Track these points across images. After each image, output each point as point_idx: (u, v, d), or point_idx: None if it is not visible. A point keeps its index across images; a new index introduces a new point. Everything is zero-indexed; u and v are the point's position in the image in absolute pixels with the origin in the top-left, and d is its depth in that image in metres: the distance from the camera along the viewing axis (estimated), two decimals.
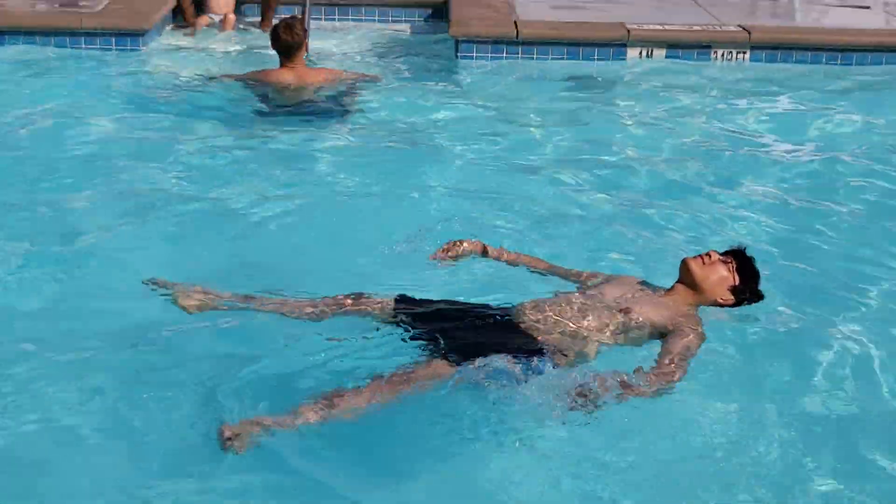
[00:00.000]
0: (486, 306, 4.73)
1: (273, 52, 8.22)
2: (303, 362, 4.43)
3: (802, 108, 8.54)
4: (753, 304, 4.86)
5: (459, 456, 4.07)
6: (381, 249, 5.52)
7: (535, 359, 4.36)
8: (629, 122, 8.11)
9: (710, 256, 4.80)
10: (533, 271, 5.22)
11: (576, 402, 4.15)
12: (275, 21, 9.87)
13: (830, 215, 6.43)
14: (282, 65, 8.18)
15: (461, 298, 4.82)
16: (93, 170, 6.81)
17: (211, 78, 8.55)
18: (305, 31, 8.30)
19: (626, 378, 4.25)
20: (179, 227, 5.99)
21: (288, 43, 8.09)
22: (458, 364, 4.30)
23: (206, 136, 7.56)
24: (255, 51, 9.44)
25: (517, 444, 4.10)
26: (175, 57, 9.50)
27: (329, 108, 8.09)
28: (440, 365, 4.31)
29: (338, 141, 7.47)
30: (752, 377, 4.62)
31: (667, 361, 4.41)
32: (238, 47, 9.79)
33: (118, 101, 8.23)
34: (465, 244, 5.19)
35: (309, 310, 4.76)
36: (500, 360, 4.32)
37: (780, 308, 5.08)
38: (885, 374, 4.69)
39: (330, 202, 6.41)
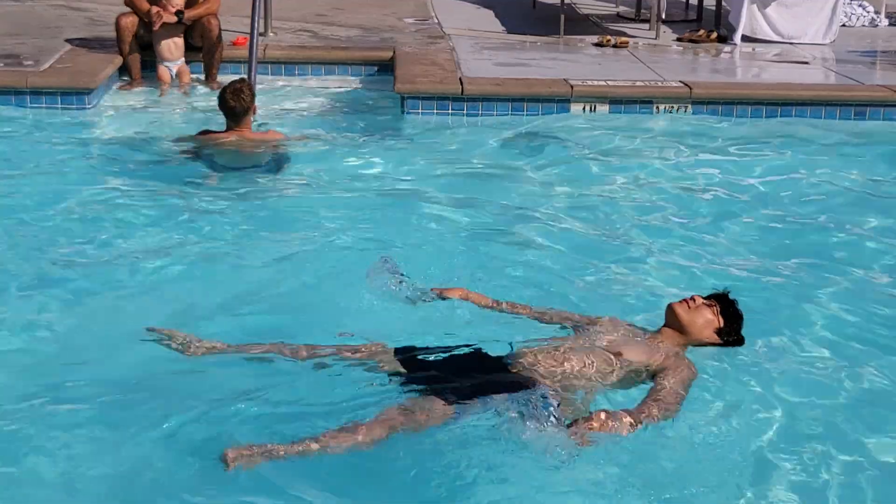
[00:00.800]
0: (481, 351, 4.88)
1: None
2: (300, 403, 4.59)
3: (743, 160, 8.68)
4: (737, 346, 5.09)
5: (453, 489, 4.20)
6: (357, 299, 5.58)
7: (532, 399, 4.45)
8: (573, 175, 8.22)
9: (694, 301, 5.03)
10: (518, 316, 5.37)
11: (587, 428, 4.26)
12: (219, 78, 10.05)
13: (771, 261, 6.61)
14: (228, 128, 8.21)
15: (453, 343, 4.94)
16: (39, 228, 6.83)
17: (177, 140, 8.58)
18: (253, 94, 8.32)
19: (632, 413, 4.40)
20: (138, 282, 6.06)
21: (235, 109, 8.11)
22: (455, 403, 4.44)
23: (153, 194, 7.53)
24: (201, 108, 9.48)
25: (512, 479, 4.23)
26: (121, 115, 9.53)
27: (277, 167, 8.14)
28: (437, 404, 4.44)
29: (287, 198, 7.55)
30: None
31: (663, 396, 4.57)
32: (184, 105, 9.85)
33: (63, 159, 8.23)
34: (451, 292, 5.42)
35: (305, 354, 4.89)
36: (497, 401, 4.46)
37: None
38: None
39: (289, 257, 6.46)
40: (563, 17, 11.81)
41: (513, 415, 4.39)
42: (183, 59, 10.32)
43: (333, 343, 4.96)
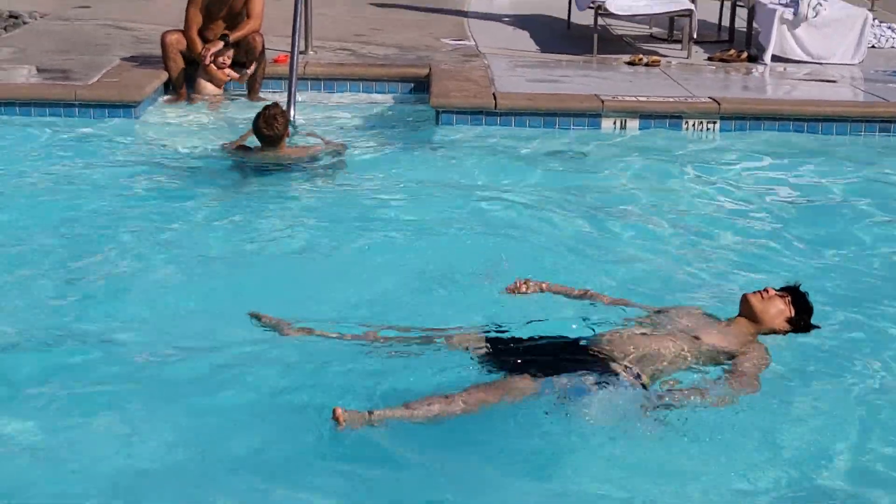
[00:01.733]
0: (564, 337, 5.22)
1: None
2: (397, 381, 5.01)
3: (770, 173, 8.96)
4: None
5: (535, 459, 4.61)
6: (427, 292, 6.11)
7: (614, 378, 4.88)
8: (606, 187, 8.50)
9: (767, 292, 5.42)
10: (596, 303, 5.74)
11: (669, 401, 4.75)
12: (262, 93, 10.42)
13: (802, 269, 6.81)
14: (262, 148, 8.54)
15: (537, 332, 5.30)
16: (96, 232, 7.14)
17: (223, 146, 8.91)
18: (287, 120, 8.59)
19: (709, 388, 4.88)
20: (198, 279, 6.43)
21: (269, 137, 8.40)
22: (541, 378, 4.82)
23: (198, 199, 7.89)
24: (244, 121, 9.76)
25: (594, 451, 4.65)
26: (167, 127, 9.87)
27: (314, 173, 8.49)
28: (524, 380, 4.82)
29: (329, 202, 7.94)
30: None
31: (744, 373, 4.99)
32: (227, 118, 10.16)
33: (111, 168, 8.57)
34: (533, 283, 5.79)
35: (398, 341, 5.29)
36: (582, 379, 4.85)
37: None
38: None
39: (348, 254, 6.93)
40: (595, 37, 12.06)
41: (594, 391, 4.80)
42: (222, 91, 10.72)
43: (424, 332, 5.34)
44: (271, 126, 8.34)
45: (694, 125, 9.82)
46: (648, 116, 9.87)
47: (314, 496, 4.34)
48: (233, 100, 10.61)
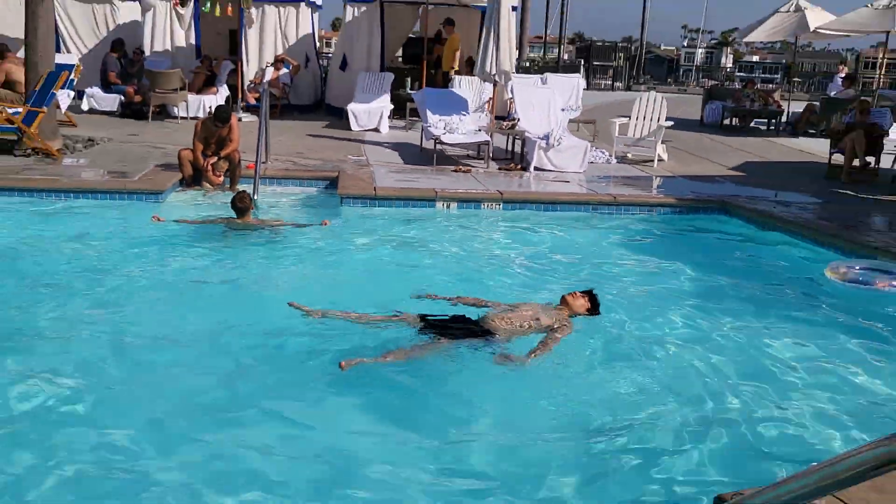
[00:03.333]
0: (465, 316, 5.50)
1: None
2: (367, 341, 5.35)
3: (527, 235, 9.29)
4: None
5: (455, 383, 5.01)
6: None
7: (493, 340, 5.25)
8: (435, 242, 8.67)
9: (576, 294, 5.68)
10: (474, 304, 5.91)
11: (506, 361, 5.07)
12: (239, 186, 10.46)
13: (556, 288, 6.93)
14: (237, 218, 8.61)
15: (449, 313, 5.62)
16: (134, 289, 6.76)
17: (212, 220, 8.82)
18: (252, 200, 8.73)
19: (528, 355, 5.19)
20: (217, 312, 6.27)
21: (241, 209, 8.55)
22: (454, 340, 5.15)
23: (203, 249, 7.86)
24: (227, 203, 9.79)
25: (481, 380, 5.04)
26: (179, 207, 9.77)
27: (272, 234, 8.51)
28: (445, 342, 5.11)
29: (282, 253, 7.88)
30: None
31: (557, 337, 5.27)
32: (217, 201, 10.11)
33: (146, 231, 8.47)
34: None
35: (367, 319, 5.53)
36: (475, 340, 5.21)
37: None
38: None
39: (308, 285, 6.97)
40: (435, 155, 12.40)
41: (480, 348, 5.19)
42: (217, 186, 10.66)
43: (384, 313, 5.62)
44: (243, 200, 8.51)
45: (488, 206, 10.15)
46: (463, 201, 10.11)
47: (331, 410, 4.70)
48: (221, 191, 10.57)
